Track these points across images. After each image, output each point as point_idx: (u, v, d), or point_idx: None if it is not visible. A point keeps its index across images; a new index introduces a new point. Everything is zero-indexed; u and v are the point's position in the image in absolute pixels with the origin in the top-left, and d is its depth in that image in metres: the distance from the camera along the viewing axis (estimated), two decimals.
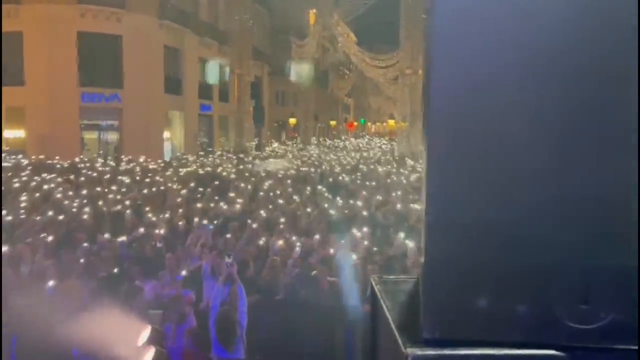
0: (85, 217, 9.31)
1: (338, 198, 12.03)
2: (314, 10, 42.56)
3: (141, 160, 20.19)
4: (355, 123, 73.68)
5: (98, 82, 22.49)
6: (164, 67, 25.14)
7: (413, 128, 30.47)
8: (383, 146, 38.72)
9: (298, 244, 8.08)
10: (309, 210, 10.70)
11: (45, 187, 12.86)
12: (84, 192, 12.17)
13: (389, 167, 19.68)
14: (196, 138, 29.19)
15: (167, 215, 9.86)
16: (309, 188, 13.75)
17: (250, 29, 31.24)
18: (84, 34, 22.05)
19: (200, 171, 17.88)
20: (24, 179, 13.65)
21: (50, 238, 7.85)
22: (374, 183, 14.74)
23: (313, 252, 7.78)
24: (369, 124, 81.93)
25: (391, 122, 47.64)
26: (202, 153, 23.85)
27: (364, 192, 12.39)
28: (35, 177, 13.86)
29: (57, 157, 18.88)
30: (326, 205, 11.44)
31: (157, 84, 24.59)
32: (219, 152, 25.28)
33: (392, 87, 36.13)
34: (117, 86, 22.92)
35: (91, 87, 22.36)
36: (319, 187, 14.01)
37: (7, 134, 23.57)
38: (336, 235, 8.55)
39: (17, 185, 12.68)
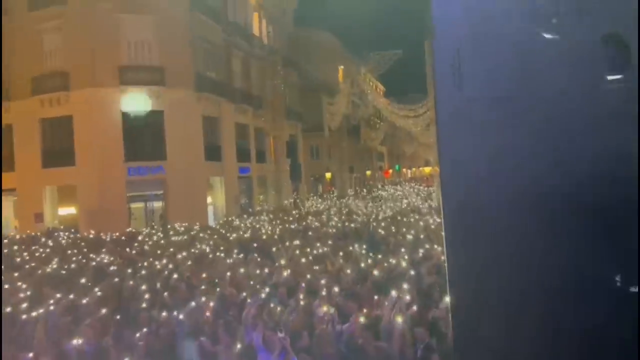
0: (142, 288, 9.73)
1: (379, 255, 12.13)
2: (342, 67, 44.01)
3: (185, 225, 20.92)
4: (391, 170, 73.88)
5: (143, 155, 23.67)
6: (203, 136, 26.30)
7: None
8: (421, 193, 38.56)
9: (342, 308, 8.19)
10: (348, 271, 10.82)
11: (97, 262, 13.51)
12: (138, 265, 12.74)
13: (428, 217, 19.67)
14: (237, 201, 29.98)
15: (216, 284, 10.17)
16: (350, 245, 13.89)
17: (282, 92, 32.48)
18: (128, 112, 23.45)
19: (245, 235, 18.34)
20: (80, 257, 14.35)
21: (107, 314, 8.24)
22: (411, 236, 14.77)
23: (358, 316, 7.88)
24: (404, 169, 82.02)
25: (427, 168, 47.66)
26: (245, 216, 24.41)
27: (404, 249, 12.45)
28: (91, 255, 14.55)
29: (107, 232, 19.79)
30: (368, 262, 11.56)
31: (198, 152, 25.68)
32: (262, 215, 25.81)
33: (426, 134, 36.46)
34: (161, 158, 24.06)
35: (136, 161, 23.53)
36: (358, 243, 14.09)
37: (61, 211, 24.91)
38: (380, 296, 8.64)
39: (73, 265, 13.36)
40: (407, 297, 8.49)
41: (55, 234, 20.19)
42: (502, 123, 1.21)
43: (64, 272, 12.55)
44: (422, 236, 14.79)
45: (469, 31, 1.24)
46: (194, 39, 25.76)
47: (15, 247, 17.19)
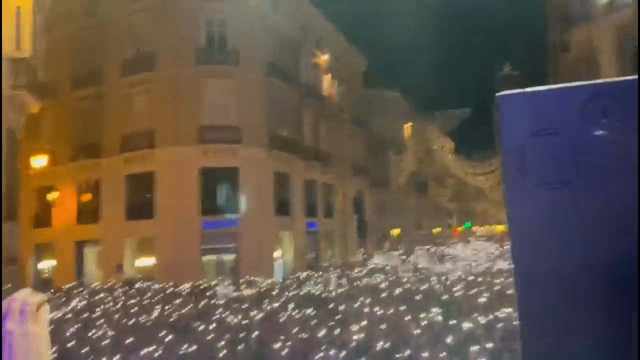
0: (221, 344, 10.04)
1: (450, 319, 11.82)
2: (410, 124, 44.43)
3: (256, 280, 21.35)
4: (460, 228, 71.89)
5: (217, 210, 24.76)
6: (274, 191, 27.22)
7: None
8: (494, 252, 37.11)
9: None
10: (418, 331, 10.62)
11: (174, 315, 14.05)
12: (213, 318, 13.17)
13: (502, 278, 18.95)
14: (304, 256, 30.32)
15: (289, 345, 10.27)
16: (420, 310, 13.60)
17: (350, 149, 33.19)
18: (206, 168, 24.83)
19: (313, 291, 18.43)
20: (157, 308, 15.00)
21: None
22: (485, 298, 14.29)
23: None
24: (475, 227, 79.49)
25: (499, 227, 46.13)
26: (312, 272, 24.57)
27: (476, 313, 12.09)
28: (167, 306, 15.19)
29: (182, 283, 20.60)
30: (439, 326, 11.29)
31: (269, 207, 26.52)
32: (329, 271, 25.90)
33: (496, 191, 35.67)
34: (234, 212, 25.05)
35: (212, 215, 24.62)
36: (428, 306, 13.75)
37: (139, 262, 26.26)
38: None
39: (153, 316, 13.98)
40: None
41: (137, 285, 21.20)
42: (562, 203, 1.44)
43: (145, 322, 13.19)
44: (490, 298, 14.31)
45: (532, 128, 1.50)
46: (268, 100, 27.24)
47: (101, 295, 18.23)
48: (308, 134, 32.34)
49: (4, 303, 0.84)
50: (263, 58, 27.21)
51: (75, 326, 11.79)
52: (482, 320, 11.28)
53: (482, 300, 13.97)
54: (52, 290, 21.84)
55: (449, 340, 9.53)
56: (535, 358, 1.24)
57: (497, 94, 1.55)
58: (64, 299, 16.98)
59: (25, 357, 0.76)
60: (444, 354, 8.81)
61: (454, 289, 16.89)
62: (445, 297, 15.50)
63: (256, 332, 10.99)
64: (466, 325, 10.85)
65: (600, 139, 1.41)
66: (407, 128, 45.43)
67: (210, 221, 24.72)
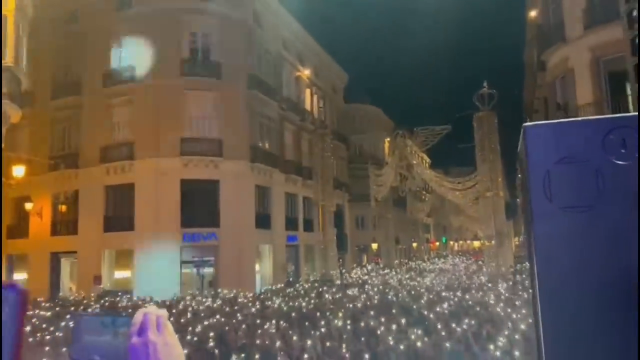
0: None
1: (426, 337, 11.93)
2: (389, 140, 44.94)
3: (234, 293, 21.25)
4: (437, 242, 72.59)
5: (197, 222, 24.56)
6: (255, 204, 27.16)
7: (501, 248, 29.91)
8: (471, 267, 37.66)
9: None
10: (401, 347, 10.73)
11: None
12: (190, 329, 13.09)
13: (481, 293, 19.24)
14: (284, 269, 30.24)
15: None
16: (396, 322, 13.73)
17: (331, 163, 33.37)
18: (186, 180, 24.66)
19: (290, 303, 18.46)
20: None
21: None
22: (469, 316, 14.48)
23: None
24: (451, 242, 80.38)
25: (476, 243, 46.65)
26: (289, 289, 24.52)
27: (461, 327, 12.25)
28: None
29: (159, 296, 20.35)
30: (418, 343, 11.41)
31: (249, 220, 26.43)
32: (307, 284, 25.90)
33: (474, 207, 36.16)
34: (214, 225, 24.88)
35: (191, 228, 24.41)
36: (404, 320, 13.83)
37: (117, 274, 25.84)
38: None
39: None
40: None
41: (108, 297, 20.85)
42: (584, 225, 1.57)
43: None
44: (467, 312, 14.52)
45: (557, 156, 1.63)
46: (250, 113, 27.30)
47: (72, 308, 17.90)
48: (289, 147, 32.45)
49: (138, 316, 0.93)
50: (245, 71, 27.30)
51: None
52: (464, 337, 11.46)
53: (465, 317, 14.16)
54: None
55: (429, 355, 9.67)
56: None
57: (524, 124, 1.68)
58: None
59: None
60: None
61: (425, 300, 17.14)
62: (418, 308, 15.73)
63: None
64: (439, 339, 11.01)
65: (619, 168, 1.55)
66: (387, 144, 45.95)
67: (190, 234, 24.52)
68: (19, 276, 28.13)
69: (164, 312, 0.94)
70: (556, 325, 1.45)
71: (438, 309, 15.64)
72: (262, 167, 27.65)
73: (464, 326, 12.35)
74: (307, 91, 35.92)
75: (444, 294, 19.81)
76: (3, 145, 15.75)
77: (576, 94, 20.90)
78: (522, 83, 42.33)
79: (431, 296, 18.93)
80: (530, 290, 1.55)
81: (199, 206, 24.92)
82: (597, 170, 1.58)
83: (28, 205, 24.68)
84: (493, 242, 29.55)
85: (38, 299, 22.22)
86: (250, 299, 20.66)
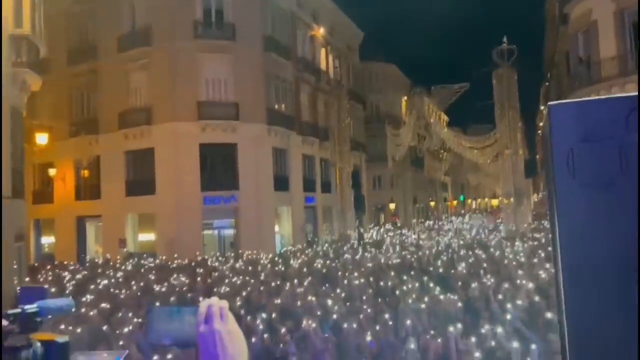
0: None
1: (449, 294, 12.15)
2: (406, 99, 44.44)
3: (255, 253, 21.81)
4: (455, 201, 72.58)
5: (217, 186, 24.92)
6: (273, 167, 27.39)
7: (520, 206, 29.87)
8: (489, 225, 37.70)
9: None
10: (422, 305, 10.96)
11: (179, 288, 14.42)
12: (215, 289, 13.60)
13: (499, 251, 19.37)
14: (303, 230, 30.69)
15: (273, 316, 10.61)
16: (415, 280, 13.96)
17: (347, 124, 33.24)
18: (205, 145, 24.88)
19: (309, 265, 18.89)
20: (163, 284, 15.34)
21: None
22: (483, 272, 14.67)
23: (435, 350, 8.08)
24: (469, 200, 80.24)
25: (494, 201, 46.52)
26: (308, 250, 24.94)
27: (480, 285, 12.45)
28: (174, 281, 15.54)
29: (183, 258, 21.02)
30: (438, 301, 11.66)
31: (268, 182, 26.71)
32: (325, 245, 26.33)
33: (492, 165, 35.92)
34: (234, 188, 25.24)
35: (211, 191, 24.79)
36: (423, 279, 14.02)
37: (141, 237, 26.53)
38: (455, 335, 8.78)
39: (157, 288, 14.33)
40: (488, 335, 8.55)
41: (135, 258, 21.60)
42: (608, 201, 1.64)
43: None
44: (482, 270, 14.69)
45: (581, 134, 1.69)
46: (266, 75, 27.14)
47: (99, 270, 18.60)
48: (305, 108, 32.33)
49: (203, 307, 1.06)
50: (260, 32, 26.99)
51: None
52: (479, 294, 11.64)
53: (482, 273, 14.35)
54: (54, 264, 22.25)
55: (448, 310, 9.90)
56: (581, 354, 1.35)
57: (549, 103, 1.72)
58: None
59: (234, 348, 0.99)
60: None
61: (443, 258, 17.39)
62: (437, 267, 15.98)
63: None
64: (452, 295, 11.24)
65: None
66: (404, 102, 45.45)
67: (210, 197, 24.91)
68: (47, 240, 29.10)
69: (225, 303, 1.06)
70: (579, 300, 1.52)
71: (457, 268, 15.85)
72: (279, 130, 27.69)
73: (483, 284, 12.56)
74: (322, 50, 35.42)
75: (462, 252, 20.03)
76: (25, 112, 16.03)
77: (599, 47, 20.31)
78: (543, 37, 41.14)
79: (450, 255, 19.15)
80: (553, 265, 1.62)
81: (218, 170, 25.22)
82: (620, 148, 1.63)
83: (52, 171, 25.25)
84: (512, 200, 29.50)
85: (65, 262, 23.16)
86: (271, 259, 21.20)
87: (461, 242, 24.46)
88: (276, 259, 22.35)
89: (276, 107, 28.35)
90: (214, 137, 25.02)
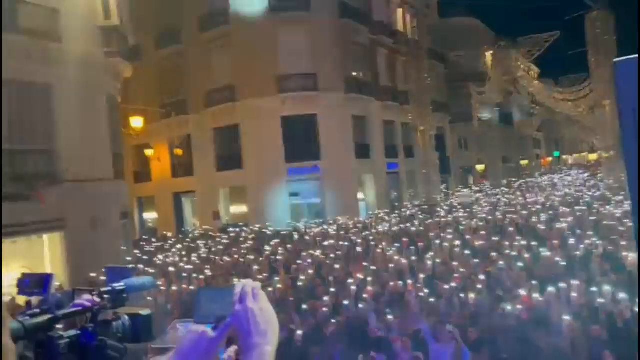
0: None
1: (541, 250, 11.80)
2: (491, 52, 42.17)
3: (342, 220, 22.36)
4: (550, 158, 68.75)
5: (300, 157, 25.48)
6: (353, 135, 27.44)
7: (621, 159, 27.76)
8: (588, 181, 35.41)
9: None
10: (519, 264, 10.73)
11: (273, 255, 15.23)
12: (303, 254, 14.32)
13: (598, 209, 18.26)
14: (387, 196, 30.65)
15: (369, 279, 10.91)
16: (508, 241, 13.63)
17: (428, 85, 32.32)
18: (286, 117, 25.42)
19: (395, 229, 19.01)
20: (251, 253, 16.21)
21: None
22: (579, 230, 13.97)
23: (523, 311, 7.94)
24: (564, 156, 75.59)
25: (592, 155, 43.48)
26: (396, 213, 24.92)
27: (580, 244, 11.97)
28: (266, 248, 16.38)
29: (273, 227, 21.99)
30: (527, 256, 11.38)
31: (349, 151, 26.86)
32: (411, 210, 26.16)
33: (589, 117, 33.51)
34: (316, 158, 25.68)
35: (295, 162, 25.40)
36: (517, 239, 13.70)
37: (234, 209, 27.91)
38: (546, 292, 8.56)
39: (252, 256, 15.17)
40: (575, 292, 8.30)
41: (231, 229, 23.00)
42: None
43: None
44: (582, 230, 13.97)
45: None
46: (342, 42, 26.96)
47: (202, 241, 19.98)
48: (383, 73, 31.81)
49: (238, 288, 1.19)
50: None
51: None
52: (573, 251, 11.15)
53: (579, 231, 13.69)
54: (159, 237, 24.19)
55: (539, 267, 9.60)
56: None
57: (614, 60, 1.65)
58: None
59: (266, 324, 1.13)
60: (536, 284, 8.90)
61: (539, 218, 16.73)
62: (531, 226, 15.40)
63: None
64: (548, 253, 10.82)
65: None
66: (489, 57, 43.18)
67: (294, 168, 25.53)
68: (149, 215, 31.48)
69: (257, 284, 1.19)
70: None
71: (555, 226, 15.25)
72: (358, 97, 27.56)
73: (583, 244, 12.05)
74: (399, 11, 34.40)
75: (561, 209, 19.18)
76: (120, 99, 17.28)
77: None
78: None
79: (546, 214, 18.40)
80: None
81: (300, 141, 25.70)
82: None
83: (149, 152, 27.06)
84: (612, 153, 27.49)
85: (167, 234, 25.08)
86: (359, 224, 21.64)
87: (558, 201, 23.29)
88: (367, 220, 22.89)
89: (354, 74, 28.16)
90: (295, 109, 25.44)
